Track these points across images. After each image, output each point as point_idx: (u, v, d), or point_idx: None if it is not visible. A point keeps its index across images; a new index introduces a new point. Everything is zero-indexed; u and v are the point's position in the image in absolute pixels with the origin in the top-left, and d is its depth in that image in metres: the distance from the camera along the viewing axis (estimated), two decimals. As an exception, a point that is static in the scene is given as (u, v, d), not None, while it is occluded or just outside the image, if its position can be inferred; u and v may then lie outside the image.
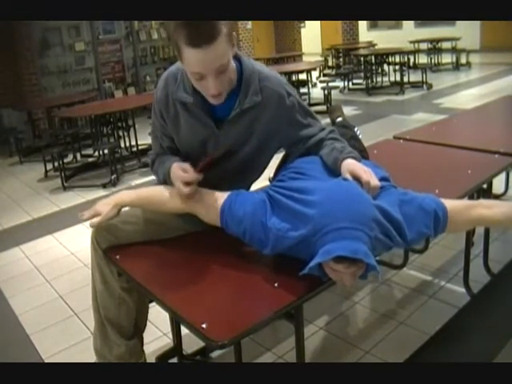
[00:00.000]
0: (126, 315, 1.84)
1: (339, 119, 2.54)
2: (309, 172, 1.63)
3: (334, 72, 11.71)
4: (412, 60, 10.44)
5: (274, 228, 1.46)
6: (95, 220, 1.63)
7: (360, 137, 2.23)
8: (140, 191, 1.71)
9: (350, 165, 1.60)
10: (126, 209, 1.75)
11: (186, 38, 1.37)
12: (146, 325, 2.01)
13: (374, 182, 1.54)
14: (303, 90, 8.47)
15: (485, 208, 1.61)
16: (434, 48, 11.59)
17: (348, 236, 1.33)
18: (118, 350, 1.86)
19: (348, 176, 1.57)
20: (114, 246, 1.74)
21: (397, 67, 9.59)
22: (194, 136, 1.70)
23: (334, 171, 1.64)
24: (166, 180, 1.68)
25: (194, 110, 1.65)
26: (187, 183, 1.56)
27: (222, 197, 1.55)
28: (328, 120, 2.70)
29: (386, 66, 10.25)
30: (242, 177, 1.79)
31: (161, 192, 1.66)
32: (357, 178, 1.56)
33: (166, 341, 2.48)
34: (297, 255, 1.47)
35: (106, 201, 1.68)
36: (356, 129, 2.32)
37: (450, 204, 1.57)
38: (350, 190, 1.49)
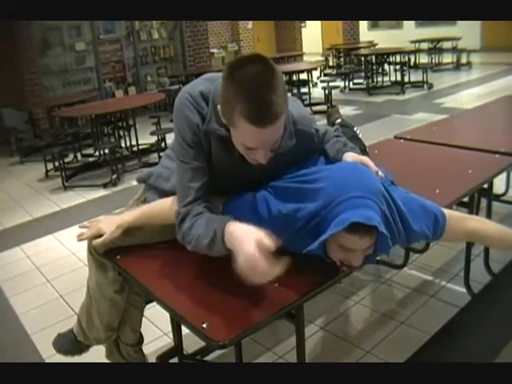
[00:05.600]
0: (116, 313, 1.89)
1: (338, 121, 2.54)
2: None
3: (334, 72, 11.71)
4: (413, 60, 10.44)
5: (280, 214, 1.44)
6: (98, 240, 1.65)
7: (360, 136, 2.24)
8: (142, 208, 1.70)
9: (354, 156, 1.65)
10: None
11: (249, 114, 1.26)
12: (140, 324, 2.03)
13: (380, 173, 1.60)
14: (304, 89, 8.45)
15: (479, 222, 1.68)
16: (435, 48, 11.59)
17: (361, 204, 1.34)
18: (98, 335, 1.93)
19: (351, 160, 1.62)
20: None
21: (397, 67, 9.57)
22: (220, 169, 1.56)
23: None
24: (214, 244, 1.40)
25: (226, 143, 1.48)
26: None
27: (220, 202, 1.55)
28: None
29: (386, 66, 10.23)
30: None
31: (164, 202, 1.65)
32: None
33: (167, 340, 2.48)
34: (306, 241, 1.41)
35: (110, 220, 1.67)
36: (355, 128, 2.32)
37: (447, 212, 1.61)
38: (357, 167, 1.54)
